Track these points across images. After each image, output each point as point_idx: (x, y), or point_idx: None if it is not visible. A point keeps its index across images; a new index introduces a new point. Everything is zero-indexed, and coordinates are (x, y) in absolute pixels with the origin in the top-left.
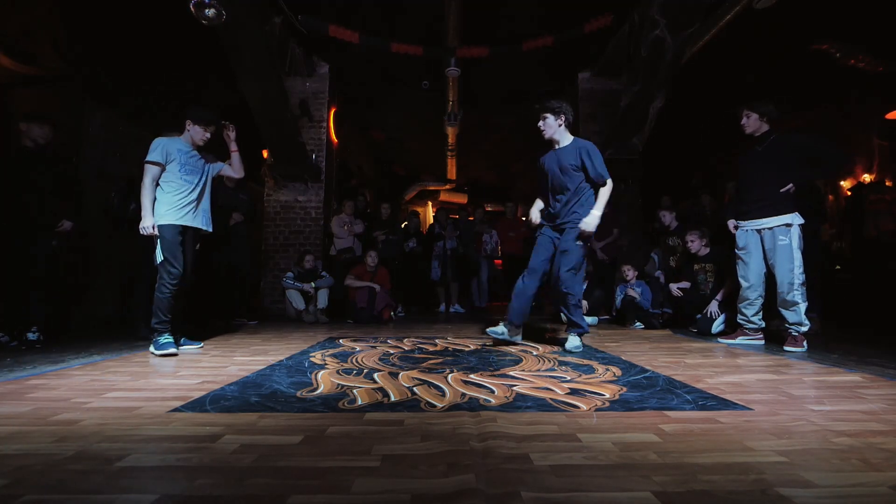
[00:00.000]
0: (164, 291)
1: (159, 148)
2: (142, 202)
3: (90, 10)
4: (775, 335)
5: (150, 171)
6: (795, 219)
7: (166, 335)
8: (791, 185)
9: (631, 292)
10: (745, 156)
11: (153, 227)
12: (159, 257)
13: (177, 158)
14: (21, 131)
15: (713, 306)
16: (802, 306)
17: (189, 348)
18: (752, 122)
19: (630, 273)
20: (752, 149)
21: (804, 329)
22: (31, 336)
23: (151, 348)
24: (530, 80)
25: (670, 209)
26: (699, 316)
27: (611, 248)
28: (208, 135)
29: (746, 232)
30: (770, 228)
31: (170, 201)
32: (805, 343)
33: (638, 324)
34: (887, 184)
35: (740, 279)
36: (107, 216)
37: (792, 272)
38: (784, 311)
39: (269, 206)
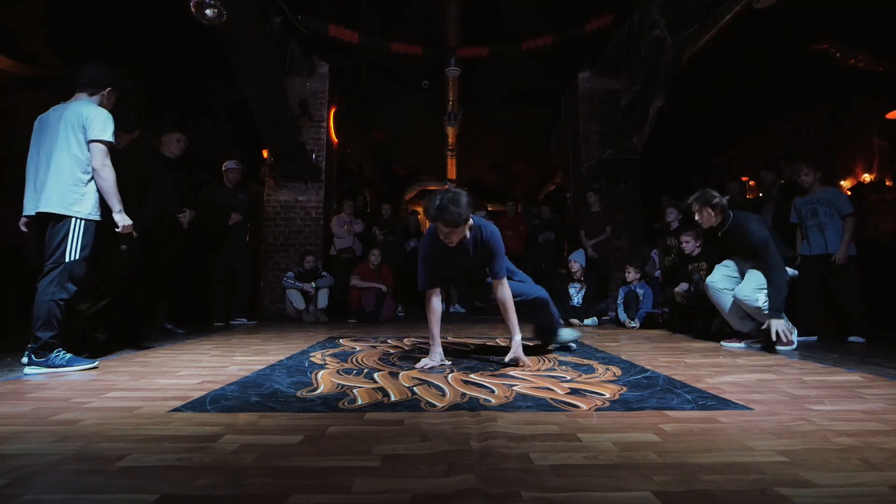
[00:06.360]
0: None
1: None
2: (114, 192)
3: (90, 9)
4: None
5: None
6: None
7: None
8: None
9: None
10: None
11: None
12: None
13: None
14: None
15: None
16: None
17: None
18: (706, 218)
19: (632, 274)
20: (714, 234)
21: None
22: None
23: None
24: (530, 79)
25: (678, 207)
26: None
27: (602, 247)
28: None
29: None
30: None
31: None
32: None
33: (633, 322)
34: (887, 184)
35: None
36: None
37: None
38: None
39: (269, 206)
